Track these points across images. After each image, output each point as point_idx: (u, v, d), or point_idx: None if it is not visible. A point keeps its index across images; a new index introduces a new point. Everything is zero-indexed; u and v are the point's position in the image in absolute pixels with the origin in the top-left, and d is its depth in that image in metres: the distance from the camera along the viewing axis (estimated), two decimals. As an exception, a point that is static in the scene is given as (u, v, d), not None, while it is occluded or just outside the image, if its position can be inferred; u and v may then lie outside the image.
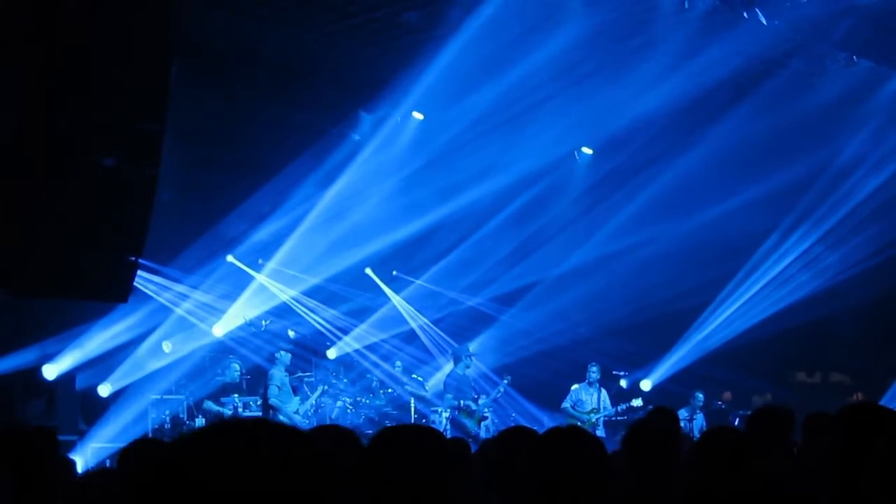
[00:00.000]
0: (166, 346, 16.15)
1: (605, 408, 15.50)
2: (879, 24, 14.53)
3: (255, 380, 15.80)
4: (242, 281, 17.31)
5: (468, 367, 15.58)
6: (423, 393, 16.51)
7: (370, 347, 18.21)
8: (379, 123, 17.10)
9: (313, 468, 1.72)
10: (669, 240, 17.83)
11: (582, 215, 18.88)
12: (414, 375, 17.07)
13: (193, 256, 16.55)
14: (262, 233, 17.02)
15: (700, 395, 16.09)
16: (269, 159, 16.22)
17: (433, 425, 13.37)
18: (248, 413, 15.17)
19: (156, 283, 16.23)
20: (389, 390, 16.98)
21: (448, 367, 16.40)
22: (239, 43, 14.41)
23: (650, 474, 4.61)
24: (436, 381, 17.17)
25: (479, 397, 15.38)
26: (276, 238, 17.13)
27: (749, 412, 13.69)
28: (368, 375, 17.56)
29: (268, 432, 1.74)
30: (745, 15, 14.10)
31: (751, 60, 15.01)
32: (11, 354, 14.26)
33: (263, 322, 16.89)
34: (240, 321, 16.79)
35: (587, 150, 18.78)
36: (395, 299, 19.06)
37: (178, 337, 16.43)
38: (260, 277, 17.40)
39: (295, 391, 15.25)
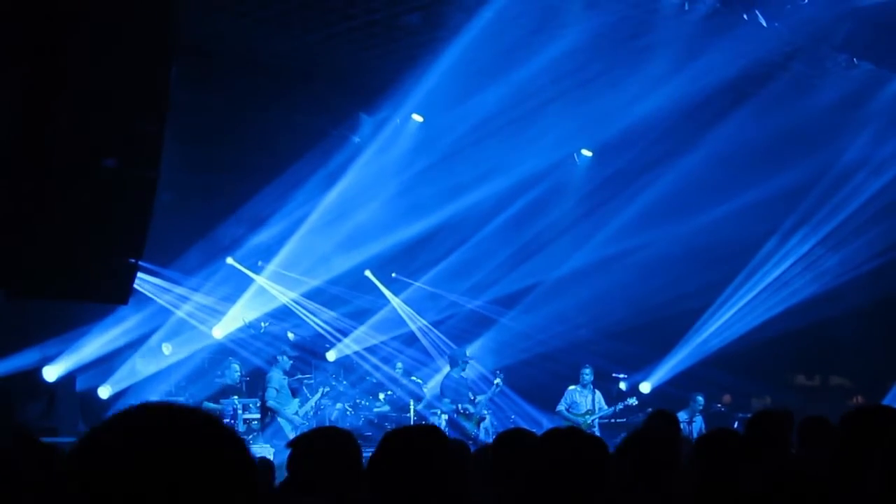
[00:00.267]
0: (166, 349, 16.15)
1: (600, 409, 15.54)
2: (880, 27, 14.52)
3: (255, 382, 15.81)
4: (242, 283, 17.31)
5: (464, 370, 15.61)
6: (423, 395, 16.52)
7: (370, 350, 18.21)
8: (379, 126, 17.11)
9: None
10: (669, 242, 17.82)
11: (582, 218, 18.88)
12: (413, 377, 17.07)
13: (193, 258, 16.56)
14: (262, 235, 17.02)
15: (699, 398, 16.08)
16: (269, 161, 16.22)
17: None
18: (247, 415, 15.17)
19: (156, 285, 16.24)
20: (389, 392, 16.98)
21: (445, 370, 16.42)
22: (240, 45, 14.43)
23: (649, 481, 4.61)
24: (435, 383, 17.17)
25: (476, 398, 15.38)
26: (275, 240, 17.13)
27: (749, 415, 13.71)
28: (368, 378, 17.55)
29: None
30: (745, 17, 14.10)
31: (751, 63, 15.00)
32: (12, 356, 14.26)
33: (263, 324, 16.90)
34: (239, 323, 16.79)
35: (587, 153, 18.78)
36: (395, 301, 19.06)
37: (178, 339, 16.43)
38: (260, 280, 17.40)
39: (294, 393, 15.25)
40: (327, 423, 15.57)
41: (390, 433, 3.35)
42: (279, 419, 14.39)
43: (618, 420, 16.28)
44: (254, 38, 14.34)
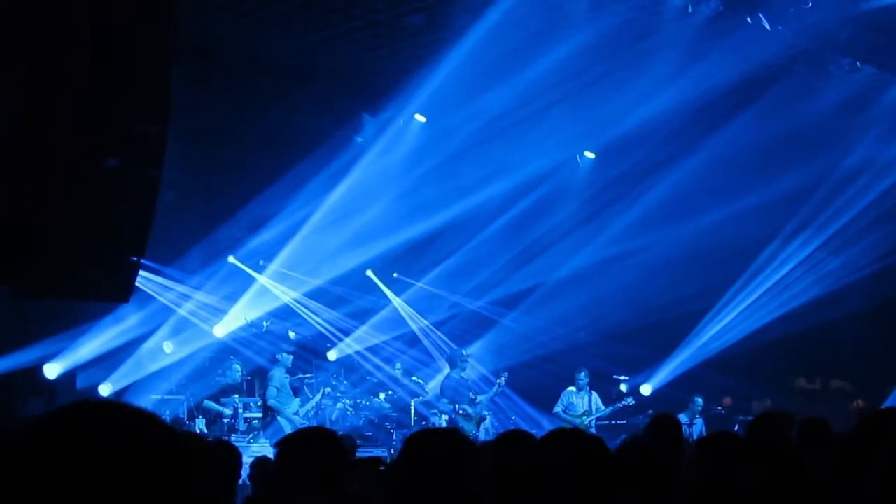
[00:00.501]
0: (167, 347, 16.17)
1: (597, 410, 15.56)
2: (883, 31, 14.53)
3: (256, 381, 15.83)
4: (244, 282, 17.32)
5: (464, 370, 15.63)
6: (424, 395, 16.53)
7: (371, 349, 18.22)
8: (382, 126, 17.11)
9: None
10: (671, 244, 17.83)
11: (583, 220, 18.88)
12: (414, 378, 17.08)
13: (195, 257, 16.59)
14: (264, 235, 17.04)
15: (699, 400, 16.09)
16: (271, 161, 16.24)
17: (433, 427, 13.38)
18: (248, 413, 15.20)
19: (158, 284, 16.26)
20: (390, 392, 16.99)
21: (446, 370, 16.45)
22: (241, 45, 14.44)
23: (645, 489, 4.61)
24: (436, 383, 17.19)
25: (476, 398, 15.38)
26: (277, 240, 17.14)
27: (749, 418, 13.71)
28: (369, 378, 17.56)
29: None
30: (748, 20, 14.10)
31: (754, 66, 15.00)
32: (13, 353, 14.29)
33: (265, 323, 16.92)
34: (241, 322, 16.81)
35: (589, 155, 18.79)
36: (396, 302, 19.07)
37: (180, 337, 16.45)
38: (261, 279, 17.41)
39: (296, 392, 15.28)
40: (328, 423, 15.60)
41: (413, 436, 3.37)
42: (280, 418, 14.40)
43: (618, 422, 16.29)
44: (256, 38, 14.36)
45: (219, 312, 16.95)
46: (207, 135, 14.99)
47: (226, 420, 15.04)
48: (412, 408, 16.20)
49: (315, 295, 17.98)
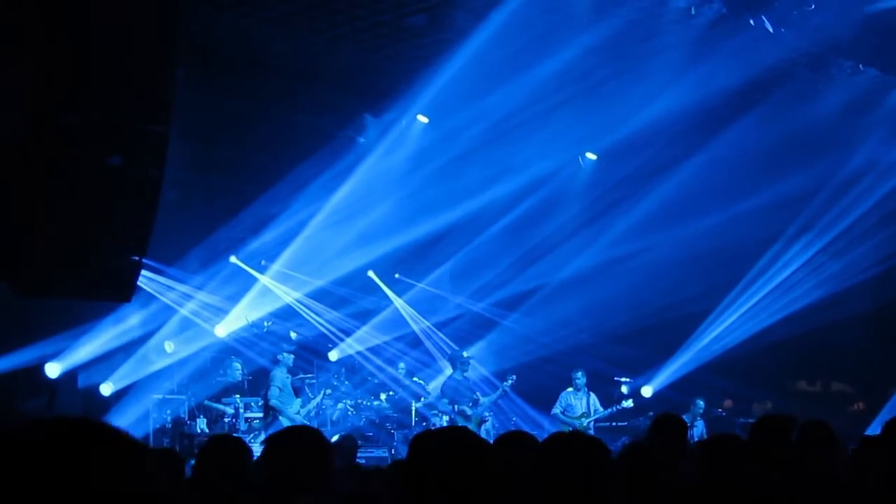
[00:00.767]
0: (168, 346, 16.18)
1: (595, 411, 15.56)
2: (886, 33, 14.52)
3: (258, 381, 15.83)
4: (246, 282, 17.33)
5: (465, 371, 15.63)
6: (425, 396, 16.53)
7: (373, 350, 18.22)
8: (384, 127, 17.12)
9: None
10: (673, 247, 17.82)
11: (585, 221, 18.89)
12: (415, 378, 17.08)
13: (197, 257, 16.59)
14: (266, 235, 17.04)
15: (700, 403, 16.08)
16: (274, 161, 16.25)
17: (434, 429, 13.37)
18: (249, 413, 15.21)
19: (160, 283, 16.27)
20: (391, 393, 16.99)
21: (448, 371, 16.44)
22: (245, 45, 14.45)
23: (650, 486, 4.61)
24: (437, 384, 17.20)
25: (478, 400, 15.38)
26: (279, 240, 17.15)
27: (750, 420, 13.71)
28: (371, 378, 17.56)
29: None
30: (751, 23, 14.10)
31: (757, 69, 15.00)
32: (14, 352, 14.30)
33: (266, 323, 16.93)
34: (242, 322, 16.81)
35: (591, 156, 18.79)
36: (398, 302, 19.08)
37: (181, 337, 16.45)
38: (263, 279, 17.42)
39: (297, 393, 15.28)
40: (329, 423, 15.62)
41: (419, 436, 3.37)
42: (281, 418, 14.40)
43: (618, 423, 16.28)
44: (259, 39, 14.37)
45: (220, 312, 16.96)
46: (210, 134, 15.00)
47: (227, 420, 15.06)
48: (413, 408, 16.19)
49: (317, 295, 17.98)
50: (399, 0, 13.60)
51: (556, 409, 15.65)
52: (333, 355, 17.86)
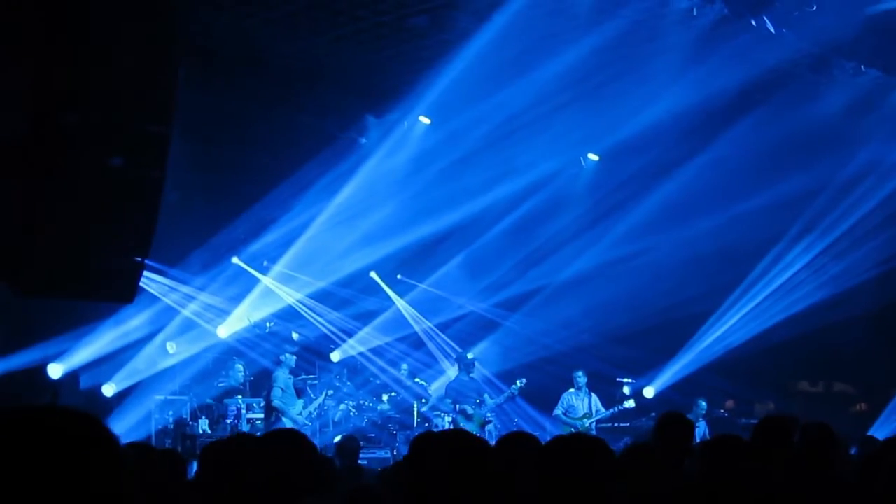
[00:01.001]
0: (170, 347, 16.18)
1: (597, 412, 15.56)
2: (887, 34, 14.51)
3: (260, 382, 15.84)
4: (248, 283, 17.34)
5: (471, 372, 15.61)
6: (428, 396, 16.53)
7: (375, 351, 18.22)
8: (386, 128, 17.12)
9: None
10: (675, 247, 17.81)
11: (587, 222, 18.88)
12: (417, 379, 17.07)
13: (200, 258, 16.60)
14: (268, 236, 17.05)
15: (703, 403, 16.08)
16: (276, 162, 16.26)
17: (436, 430, 13.41)
18: (251, 414, 15.21)
19: (162, 284, 16.28)
20: (393, 394, 16.99)
21: (451, 371, 16.43)
22: (247, 46, 14.45)
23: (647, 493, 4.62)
24: (440, 384, 17.20)
25: (483, 401, 15.36)
26: (282, 241, 17.16)
27: (752, 421, 13.70)
28: (373, 379, 17.57)
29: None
30: (752, 23, 14.09)
31: (758, 69, 14.99)
32: (16, 353, 14.31)
33: (268, 324, 16.93)
34: (244, 323, 16.82)
35: (593, 157, 18.79)
36: (400, 303, 19.08)
37: (183, 338, 16.46)
38: (265, 280, 17.43)
39: (299, 394, 15.28)
40: (331, 424, 15.64)
41: (419, 437, 3.37)
42: (284, 419, 14.40)
43: (620, 424, 16.28)
44: (261, 39, 14.37)
45: (223, 313, 16.97)
46: (212, 135, 15.01)
47: (228, 421, 15.06)
48: (415, 409, 16.19)
49: (319, 296, 17.99)
50: (401, 1, 13.60)
51: (558, 411, 15.64)
52: (335, 356, 17.87)
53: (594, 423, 15.47)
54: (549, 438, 3.97)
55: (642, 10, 13.88)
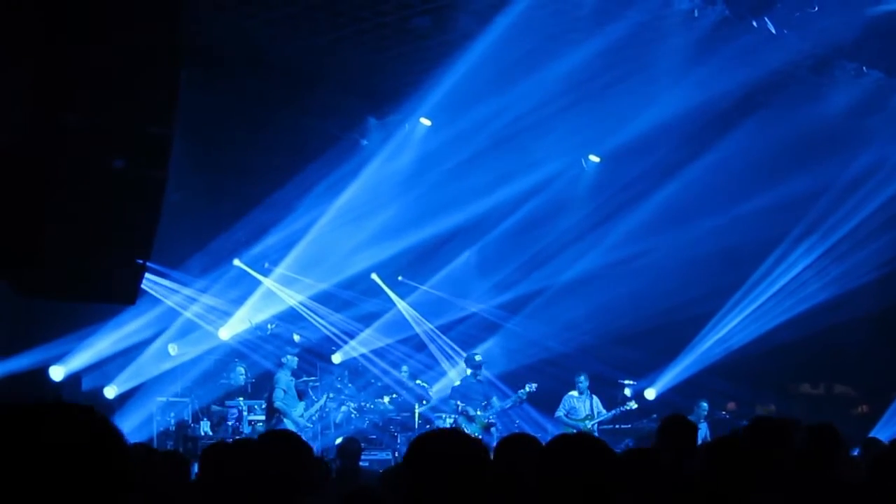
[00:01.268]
0: (172, 349, 16.19)
1: (598, 413, 15.54)
2: (889, 35, 14.50)
3: (261, 384, 15.84)
4: (250, 285, 17.34)
5: (478, 374, 15.56)
6: (429, 398, 16.52)
7: (377, 353, 18.22)
8: (388, 129, 17.12)
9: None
10: (676, 249, 17.81)
11: (589, 224, 18.88)
12: (418, 381, 17.06)
13: (202, 260, 16.60)
14: (270, 238, 17.05)
15: (704, 405, 16.07)
16: (278, 164, 16.26)
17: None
18: (252, 416, 15.21)
19: (164, 286, 16.28)
20: (394, 395, 16.99)
21: (452, 373, 16.40)
22: (249, 47, 14.45)
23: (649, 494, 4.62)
24: (441, 386, 17.19)
25: (489, 404, 15.31)
26: (283, 243, 17.16)
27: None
28: (375, 381, 17.56)
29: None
30: (754, 25, 14.08)
31: (760, 71, 14.98)
32: (18, 355, 14.31)
33: (269, 326, 16.92)
34: (246, 325, 16.81)
35: (594, 159, 18.79)
36: (401, 305, 19.07)
37: (185, 340, 16.47)
38: (267, 282, 17.43)
39: (301, 395, 15.27)
40: (332, 426, 15.62)
41: (416, 440, 3.37)
42: (285, 421, 14.40)
43: (622, 426, 16.27)
44: (262, 40, 14.36)
45: (224, 315, 16.97)
46: (213, 137, 15.01)
47: (230, 423, 15.06)
48: (416, 411, 16.18)
49: (320, 298, 17.99)
50: (403, 2, 13.60)
51: (560, 412, 15.63)
52: (337, 358, 17.86)
53: (596, 425, 15.46)
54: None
55: (643, 12, 13.86)
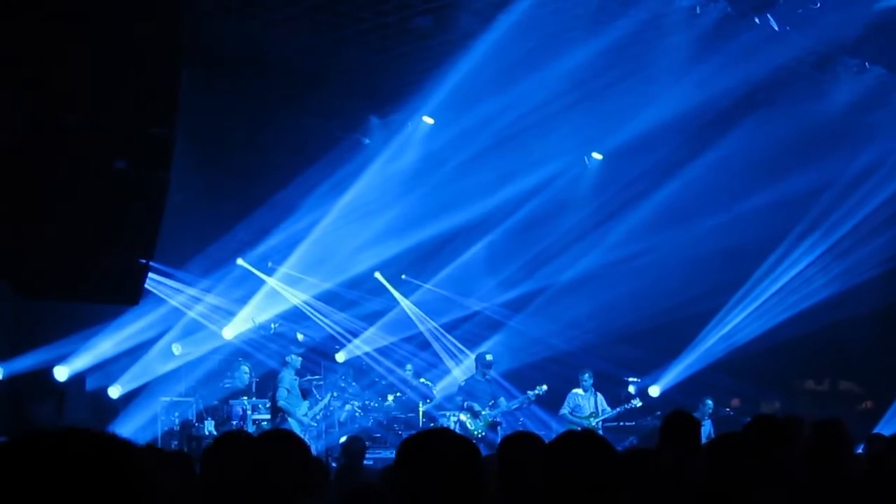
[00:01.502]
0: (176, 349, 16.21)
1: (603, 411, 15.54)
2: (891, 31, 14.49)
3: (265, 383, 15.85)
4: (253, 285, 17.35)
5: (487, 373, 15.53)
6: (433, 396, 16.52)
7: (381, 351, 18.23)
8: (390, 128, 17.13)
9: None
10: (679, 246, 17.80)
11: (592, 222, 18.87)
12: (422, 379, 17.07)
13: (205, 260, 16.61)
14: (273, 237, 17.05)
15: (709, 402, 16.08)
16: (280, 163, 16.27)
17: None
18: (256, 415, 15.22)
19: (167, 286, 16.29)
20: (398, 394, 16.99)
21: (458, 370, 16.39)
22: (250, 48, 14.45)
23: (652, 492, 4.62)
24: (445, 384, 17.19)
25: (496, 404, 15.29)
26: (286, 242, 17.17)
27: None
28: (378, 380, 17.57)
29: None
30: (756, 21, 14.08)
31: (762, 67, 14.97)
32: (23, 355, 14.34)
33: (273, 325, 16.93)
34: (250, 324, 16.83)
35: (597, 156, 18.79)
36: (405, 303, 19.08)
37: (189, 340, 16.48)
38: (271, 281, 17.44)
39: (305, 395, 15.29)
40: (336, 425, 15.64)
41: (404, 441, 3.38)
42: (290, 420, 14.42)
43: (626, 423, 16.26)
44: (264, 41, 14.37)
45: (228, 315, 16.98)
46: (216, 138, 15.02)
47: (234, 422, 15.08)
48: (420, 409, 16.19)
49: (324, 297, 18.00)
50: (403, 2, 13.60)
51: (565, 410, 15.61)
52: (341, 357, 17.87)
53: (600, 423, 15.45)
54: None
55: (645, 10, 13.86)
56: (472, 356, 16.54)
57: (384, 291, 18.96)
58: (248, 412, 15.17)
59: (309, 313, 17.91)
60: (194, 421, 15.24)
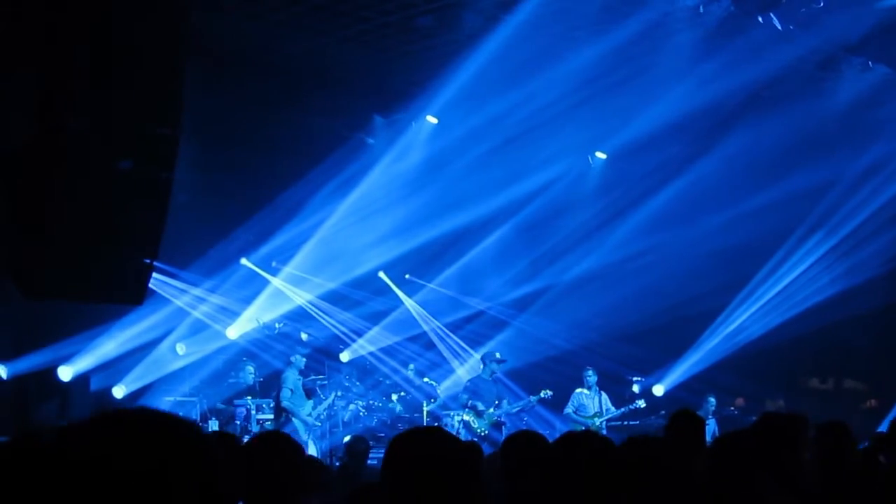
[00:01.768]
0: (180, 349, 16.22)
1: (607, 410, 15.53)
2: (895, 30, 14.48)
3: (270, 383, 15.86)
4: (258, 285, 17.37)
5: (493, 372, 15.51)
6: (436, 396, 16.52)
7: (385, 351, 18.23)
8: (394, 128, 17.13)
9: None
10: (684, 245, 17.79)
11: (597, 221, 18.87)
12: (426, 379, 17.07)
13: (208, 260, 16.62)
14: (278, 237, 17.06)
15: (712, 400, 16.05)
16: (284, 163, 16.28)
17: (447, 428, 13.35)
18: (261, 415, 15.23)
19: (171, 286, 16.31)
20: (402, 394, 17.00)
21: (462, 370, 16.38)
22: (253, 47, 14.47)
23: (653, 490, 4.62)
24: (449, 384, 17.19)
25: (500, 405, 15.27)
26: (291, 242, 17.18)
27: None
28: (382, 379, 17.58)
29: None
30: (760, 20, 14.07)
31: (766, 66, 14.96)
32: (27, 355, 14.36)
33: (277, 325, 16.94)
34: (254, 324, 16.84)
35: (601, 155, 18.78)
36: (409, 303, 19.08)
37: (193, 339, 16.50)
38: (275, 281, 17.45)
39: (309, 394, 15.29)
40: (341, 425, 15.64)
41: (394, 439, 3.37)
42: (294, 420, 14.43)
43: (630, 423, 16.24)
44: (267, 41, 14.38)
45: (232, 315, 17.00)
46: (219, 137, 15.02)
47: (238, 422, 15.09)
48: (424, 409, 16.19)
49: (328, 297, 18.00)
50: (406, 1, 13.61)
51: (569, 409, 15.60)
52: (345, 356, 17.88)
53: (605, 422, 15.44)
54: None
55: (649, 10, 13.86)
56: (477, 356, 16.53)
57: (389, 291, 18.96)
58: (253, 412, 15.18)
59: (313, 313, 17.92)
60: (199, 421, 15.25)
